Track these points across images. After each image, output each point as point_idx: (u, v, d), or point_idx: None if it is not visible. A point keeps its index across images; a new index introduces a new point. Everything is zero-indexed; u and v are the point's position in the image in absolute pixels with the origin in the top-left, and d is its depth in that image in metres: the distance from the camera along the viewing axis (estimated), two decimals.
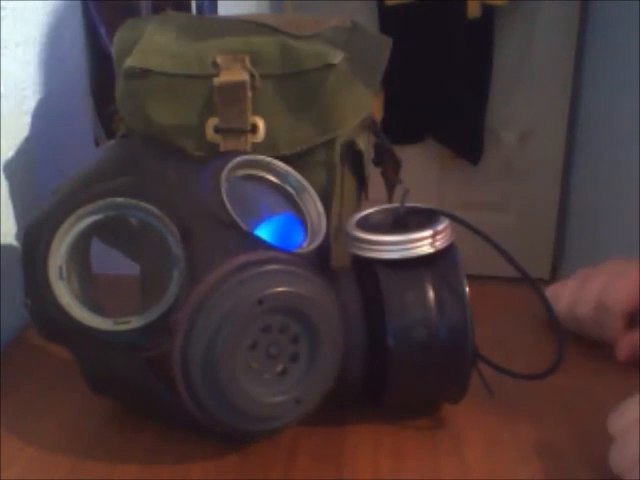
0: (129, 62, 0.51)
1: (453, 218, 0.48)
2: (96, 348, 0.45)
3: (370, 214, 0.50)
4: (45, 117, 0.72)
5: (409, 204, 0.50)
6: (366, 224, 0.49)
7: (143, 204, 0.44)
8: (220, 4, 1.17)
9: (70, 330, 0.45)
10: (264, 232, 0.48)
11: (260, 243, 0.44)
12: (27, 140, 0.69)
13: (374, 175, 0.61)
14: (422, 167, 2.13)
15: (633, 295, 0.56)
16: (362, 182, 0.60)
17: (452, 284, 0.46)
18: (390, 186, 0.63)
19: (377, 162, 0.62)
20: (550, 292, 0.61)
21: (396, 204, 0.50)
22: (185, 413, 0.43)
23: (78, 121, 0.78)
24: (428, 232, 0.46)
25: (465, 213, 0.53)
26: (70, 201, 0.45)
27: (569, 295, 0.59)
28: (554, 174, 2.13)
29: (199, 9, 1.04)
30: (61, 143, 0.74)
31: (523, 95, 2.07)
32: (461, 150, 2.11)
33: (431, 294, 0.46)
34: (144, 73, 0.51)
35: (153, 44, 0.52)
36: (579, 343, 0.59)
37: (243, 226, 0.44)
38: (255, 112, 0.51)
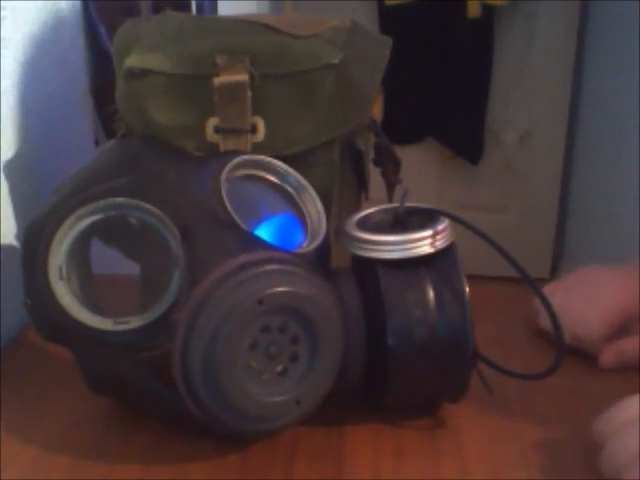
0: (129, 62, 0.51)
1: (453, 218, 0.48)
2: (96, 348, 0.45)
3: (370, 214, 0.50)
4: (45, 117, 0.72)
5: (409, 204, 0.50)
6: (366, 224, 0.49)
7: (143, 204, 0.44)
8: (220, 4, 1.17)
9: (70, 330, 0.45)
10: (264, 232, 0.48)
11: (260, 243, 0.44)
12: (27, 140, 0.68)
13: (374, 175, 0.61)
14: (422, 167, 2.13)
15: (606, 324, 0.56)
16: (362, 182, 0.60)
17: (452, 284, 0.46)
18: (390, 186, 0.63)
19: (377, 162, 0.62)
20: (545, 292, 0.60)
21: (396, 204, 0.50)
22: (185, 413, 0.43)
23: (78, 121, 0.78)
24: (428, 232, 0.46)
25: (465, 213, 0.53)
26: (70, 201, 0.45)
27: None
28: (554, 174, 2.13)
29: (199, 9, 1.04)
30: (61, 143, 0.74)
31: (523, 95, 2.07)
32: (461, 150, 2.11)
33: (431, 294, 0.46)
34: (144, 73, 0.51)
35: (153, 44, 0.52)
36: None
37: (243, 226, 0.44)
38: (255, 112, 0.51)
